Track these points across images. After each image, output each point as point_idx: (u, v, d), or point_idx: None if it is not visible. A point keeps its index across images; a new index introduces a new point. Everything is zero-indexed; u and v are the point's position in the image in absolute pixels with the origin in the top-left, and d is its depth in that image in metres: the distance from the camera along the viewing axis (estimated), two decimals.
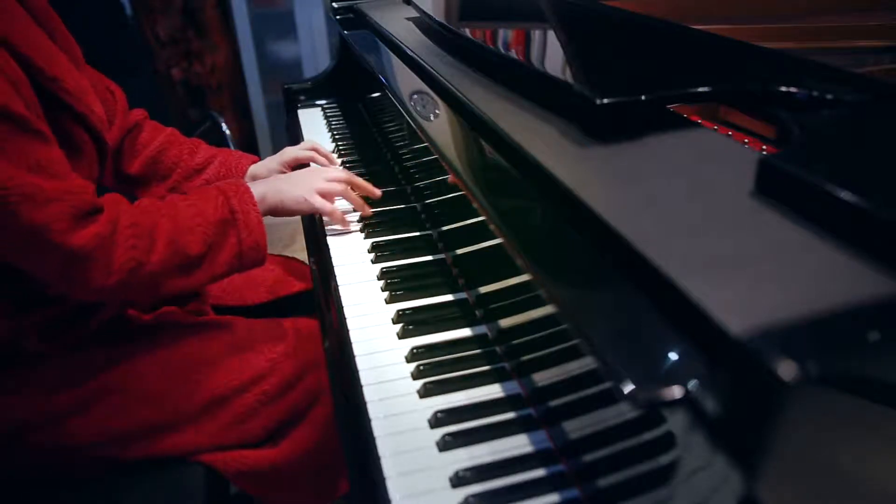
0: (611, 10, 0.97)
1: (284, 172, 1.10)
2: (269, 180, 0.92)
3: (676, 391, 0.36)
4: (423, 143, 0.86)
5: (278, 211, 0.90)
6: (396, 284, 0.82)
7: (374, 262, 0.88)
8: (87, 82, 0.82)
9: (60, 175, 0.68)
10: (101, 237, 0.69)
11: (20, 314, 0.78)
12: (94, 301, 0.83)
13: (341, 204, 0.97)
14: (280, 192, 0.89)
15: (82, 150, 0.78)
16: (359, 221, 0.98)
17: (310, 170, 0.98)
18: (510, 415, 0.61)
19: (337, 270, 0.87)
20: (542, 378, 0.60)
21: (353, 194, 0.96)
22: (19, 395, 0.78)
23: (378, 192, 0.98)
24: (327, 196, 0.92)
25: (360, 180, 0.97)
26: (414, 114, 0.86)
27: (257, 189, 0.86)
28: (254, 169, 1.09)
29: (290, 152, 1.12)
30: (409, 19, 1.27)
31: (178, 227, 0.76)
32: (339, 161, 1.17)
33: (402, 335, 0.73)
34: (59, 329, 0.81)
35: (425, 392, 0.65)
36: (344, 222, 0.94)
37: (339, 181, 0.94)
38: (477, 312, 0.75)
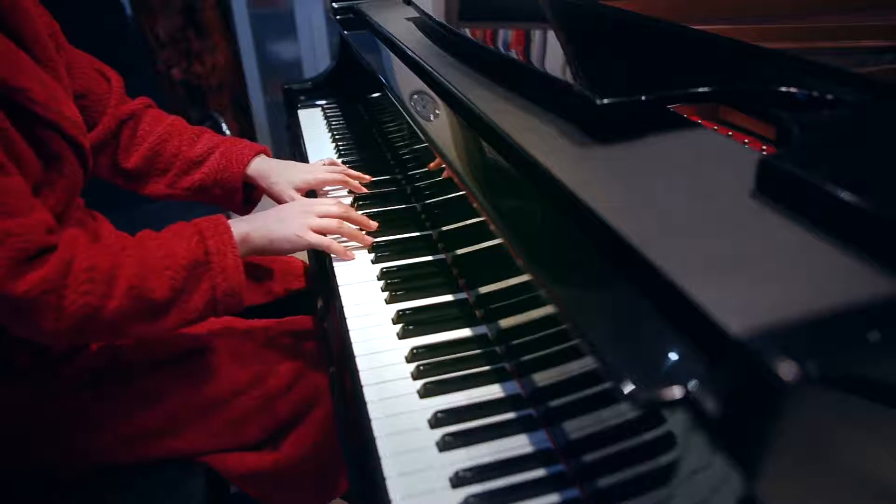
0: (611, 10, 0.97)
1: (301, 190, 1.01)
2: (253, 218, 0.84)
3: (676, 391, 0.36)
4: (423, 143, 0.86)
5: (266, 251, 0.83)
6: (396, 284, 0.82)
7: (374, 262, 0.88)
8: (60, 86, 0.78)
9: (7, 212, 0.62)
10: (48, 282, 0.64)
11: (6, 332, 0.77)
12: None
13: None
14: (269, 231, 0.82)
15: (61, 157, 0.75)
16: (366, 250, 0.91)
17: (299, 205, 0.89)
18: (510, 415, 0.61)
19: (337, 270, 0.86)
20: (542, 378, 0.60)
21: (350, 228, 0.88)
22: (15, 406, 0.78)
23: (374, 224, 0.92)
24: (321, 233, 0.85)
25: (354, 213, 0.90)
26: (414, 114, 0.86)
27: (239, 228, 0.80)
28: (267, 169, 1.01)
29: (318, 174, 1.02)
30: (409, 19, 1.27)
31: (143, 269, 0.70)
32: (342, 162, 1.16)
33: (402, 335, 0.73)
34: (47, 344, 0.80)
35: (425, 392, 0.65)
36: (345, 254, 0.87)
37: (332, 216, 0.87)
38: (477, 312, 0.75)
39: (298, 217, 0.85)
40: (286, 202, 1.00)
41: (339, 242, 0.88)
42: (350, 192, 1.05)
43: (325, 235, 0.86)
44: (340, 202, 0.91)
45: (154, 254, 0.72)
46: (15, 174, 0.66)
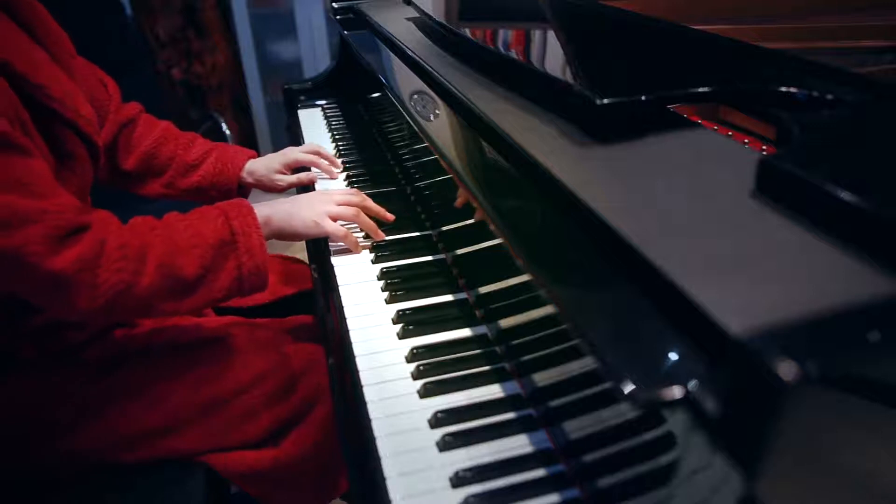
0: (611, 10, 0.97)
1: (284, 173, 1.11)
2: (275, 203, 0.86)
3: (676, 391, 0.36)
4: (423, 143, 0.86)
5: (285, 234, 0.85)
6: (396, 284, 0.82)
7: (374, 262, 0.88)
8: (75, 85, 0.79)
9: (41, 192, 0.64)
10: (83, 260, 0.65)
11: (16, 322, 0.77)
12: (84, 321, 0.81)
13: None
14: (288, 214, 0.85)
15: (75, 155, 0.76)
16: (371, 243, 0.92)
17: (320, 192, 0.92)
18: (510, 415, 0.61)
19: (337, 270, 0.86)
20: (542, 378, 0.60)
21: (366, 219, 0.90)
22: (17, 403, 0.78)
23: (391, 216, 0.93)
24: (337, 220, 0.88)
25: (372, 204, 0.92)
26: (414, 114, 0.86)
27: (262, 211, 0.82)
28: (252, 165, 1.09)
29: (292, 154, 1.12)
30: (409, 19, 1.27)
31: (172, 248, 0.72)
32: (341, 162, 1.17)
33: (402, 335, 0.73)
34: (54, 335, 0.80)
35: (425, 392, 0.65)
36: (356, 247, 0.89)
37: (351, 205, 0.89)
38: (477, 312, 0.75)
39: (318, 204, 0.87)
40: (276, 189, 1.11)
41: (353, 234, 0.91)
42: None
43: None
44: (359, 192, 0.93)
45: (182, 234, 0.74)
46: (39, 157, 0.67)
